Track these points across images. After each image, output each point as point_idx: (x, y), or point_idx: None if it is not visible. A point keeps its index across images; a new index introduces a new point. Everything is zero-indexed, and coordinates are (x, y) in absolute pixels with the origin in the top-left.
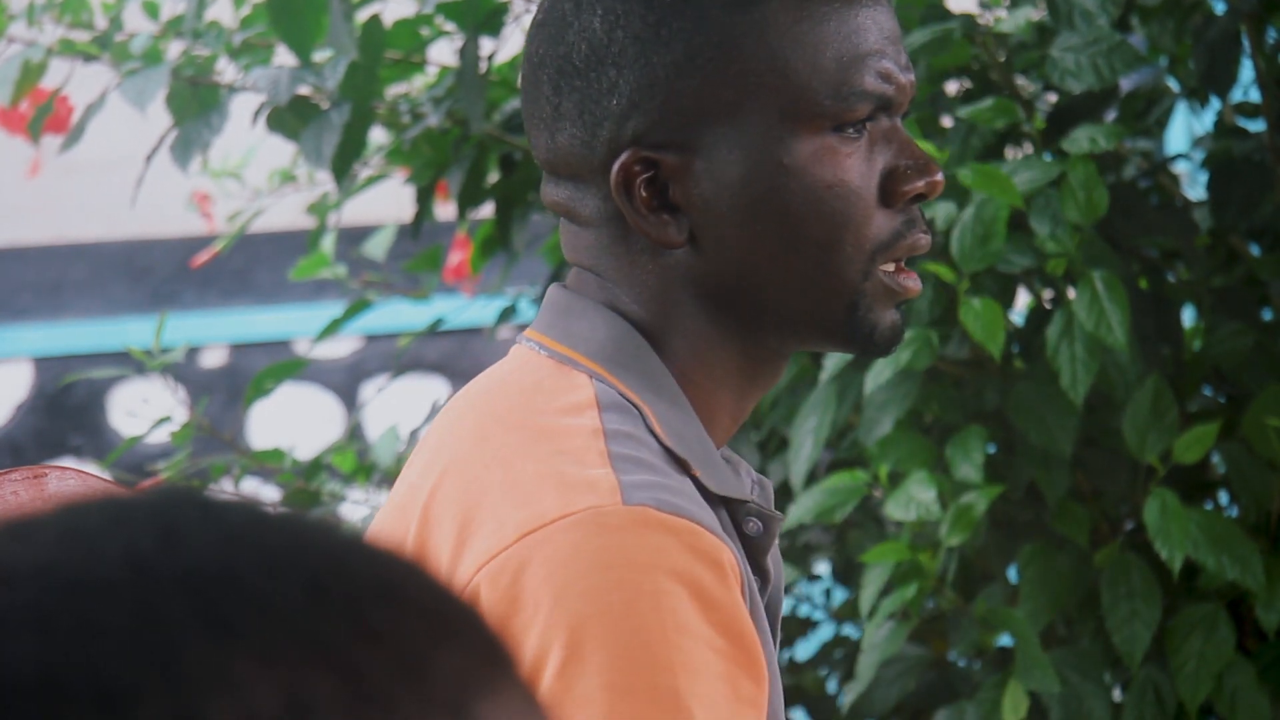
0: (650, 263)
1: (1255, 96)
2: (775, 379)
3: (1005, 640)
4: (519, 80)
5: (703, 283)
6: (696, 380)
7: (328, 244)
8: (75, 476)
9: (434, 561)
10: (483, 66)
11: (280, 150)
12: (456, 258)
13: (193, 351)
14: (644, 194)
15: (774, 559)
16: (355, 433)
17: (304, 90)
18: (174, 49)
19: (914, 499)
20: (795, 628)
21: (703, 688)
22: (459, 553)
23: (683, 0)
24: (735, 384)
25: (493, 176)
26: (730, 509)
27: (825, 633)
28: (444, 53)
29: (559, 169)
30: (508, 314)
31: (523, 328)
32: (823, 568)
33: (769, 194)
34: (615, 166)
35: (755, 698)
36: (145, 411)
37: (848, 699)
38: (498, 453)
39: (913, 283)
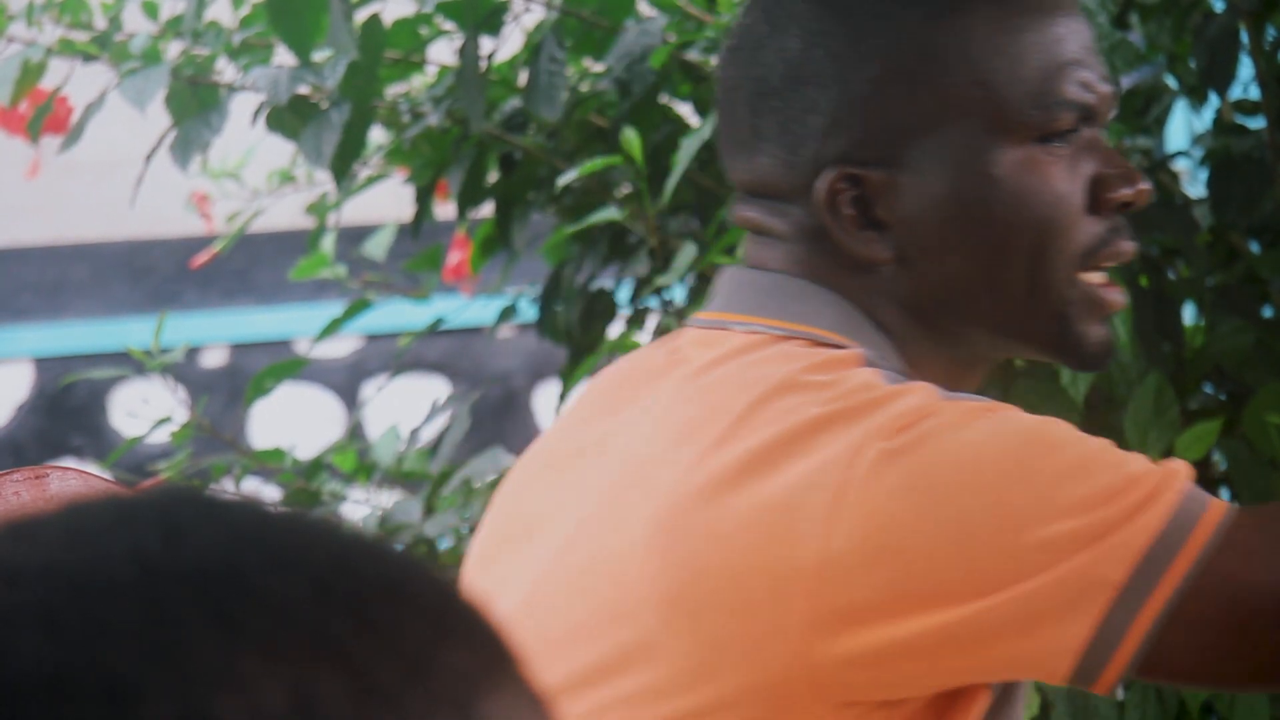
0: (852, 278)
1: (1255, 94)
2: (979, 381)
3: None
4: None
5: (909, 297)
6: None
7: (328, 244)
8: (77, 476)
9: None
10: (482, 66)
11: (280, 150)
12: (456, 257)
13: (193, 351)
14: (849, 212)
15: None
16: (356, 432)
17: (303, 90)
18: (173, 49)
19: None
20: None
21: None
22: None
23: (881, 16)
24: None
25: (492, 176)
26: None
27: None
28: (443, 52)
29: (757, 189)
30: (507, 313)
31: (523, 327)
32: None
33: (976, 206)
34: (820, 186)
35: None
36: (146, 412)
37: None
38: (762, 405)
39: (1116, 296)
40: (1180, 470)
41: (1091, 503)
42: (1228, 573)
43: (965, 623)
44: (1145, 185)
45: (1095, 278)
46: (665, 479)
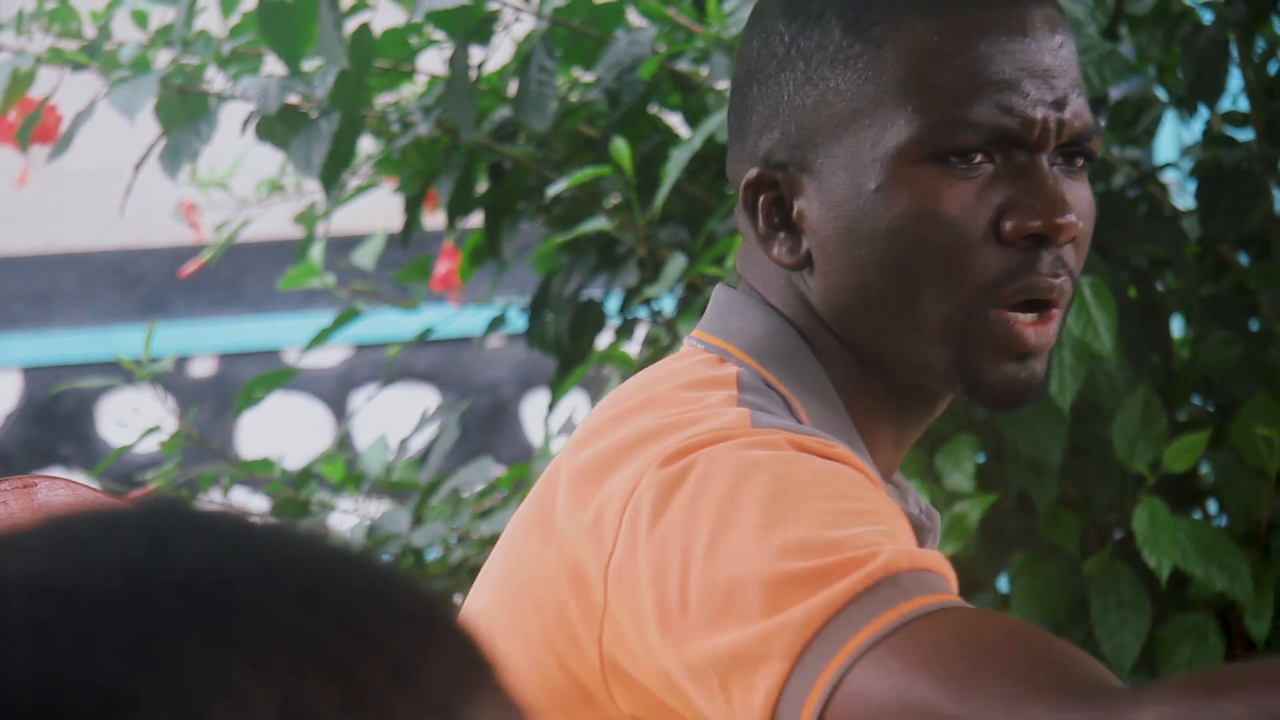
0: (782, 278)
1: (1244, 105)
2: (929, 413)
3: None
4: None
5: (822, 305)
6: (853, 400)
7: (316, 253)
8: (65, 486)
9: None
10: (472, 75)
11: (269, 159)
12: (445, 267)
13: (182, 361)
14: (766, 211)
15: None
16: (344, 442)
17: (293, 99)
18: (163, 58)
19: None
20: None
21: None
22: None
23: (815, 20)
24: (891, 411)
25: (482, 185)
26: None
27: None
28: (433, 62)
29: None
30: (496, 323)
31: (511, 337)
32: None
33: (863, 218)
34: (741, 183)
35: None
36: (134, 421)
37: None
38: (628, 415)
39: (1032, 335)
40: (886, 562)
41: (788, 553)
42: (864, 685)
43: (662, 657)
44: (1062, 219)
45: (1019, 315)
46: (547, 484)
